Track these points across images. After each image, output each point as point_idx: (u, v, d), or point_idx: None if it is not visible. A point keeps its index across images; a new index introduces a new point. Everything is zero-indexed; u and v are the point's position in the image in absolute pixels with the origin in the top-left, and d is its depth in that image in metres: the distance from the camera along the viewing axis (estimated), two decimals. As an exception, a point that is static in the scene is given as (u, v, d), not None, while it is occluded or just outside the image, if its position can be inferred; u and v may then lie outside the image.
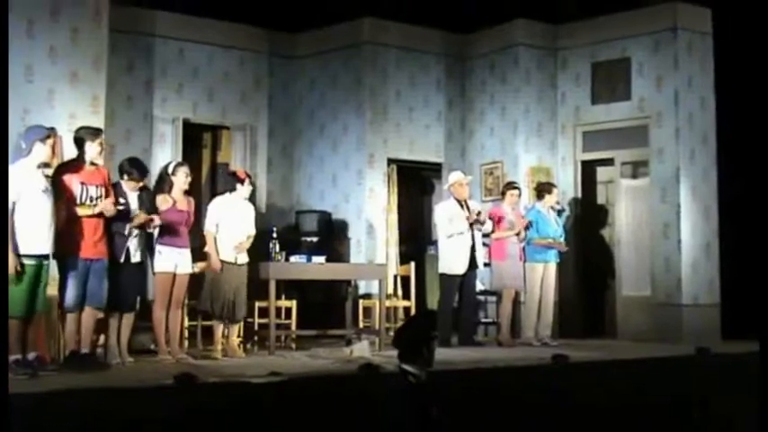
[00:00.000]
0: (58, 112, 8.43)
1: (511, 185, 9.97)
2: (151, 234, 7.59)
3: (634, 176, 10.80)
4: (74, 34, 8.64)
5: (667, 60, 10.34)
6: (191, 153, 10.71)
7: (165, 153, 10.35)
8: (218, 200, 8.39)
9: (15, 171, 6.45)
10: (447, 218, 9.41)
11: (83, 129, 7.23)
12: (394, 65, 11.22)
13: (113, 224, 7.17)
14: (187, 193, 7.99)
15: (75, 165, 7.01)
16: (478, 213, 9.39)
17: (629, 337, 10.32)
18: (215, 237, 8.17)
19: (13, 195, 6.35)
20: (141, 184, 7.52)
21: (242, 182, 8.38)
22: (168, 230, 7.71)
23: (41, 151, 6.58)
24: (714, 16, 10.44)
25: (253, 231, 8.41)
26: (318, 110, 11.48)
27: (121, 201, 7.25)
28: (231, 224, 8.24)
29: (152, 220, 7.40)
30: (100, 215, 6.93)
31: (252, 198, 10.80)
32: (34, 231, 6.43)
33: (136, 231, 7.33)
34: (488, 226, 9.54)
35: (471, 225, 9.33)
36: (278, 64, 11.54)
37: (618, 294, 10.71)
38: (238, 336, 8.42)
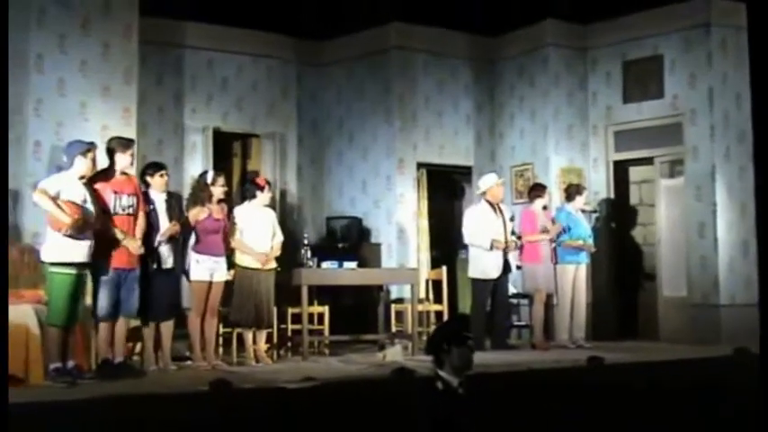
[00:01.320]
0: (92, 125, 8.52)
1: (538, 188, 9.89)
2: (183, 241, 7.65)
3: (671, 175, 10.69)
4: (105, 48, 8.74)
5: (700, 57, 10.23)
6: (221, 162, 10.78)
7: (196, 162, 10.44)
8: (238, 209, 8.41)
9: (59, 180, 6.66)
10: (474, 226, 9.35)
11: (114, 139, 7.32)
12: (422, 70, 11.21)
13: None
14: (220, 200, 8.05)
15: (107, 175, 7.09)
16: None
17: (665, 339, 10.22)
18: (242, 241, 8.20)
19: (53, 190, 6.54)
20: (164, 179, 7.56)
21: (261, 189, 8.39)
22: (205, 239, 7.78)
23: (82, 165, 6.73)
24: (749, 11, 10.30)
25: (281, 237, 8.42)
26: (347, 117, 11.51)
27: (149, 207, 7.33)
28: (254, 231, 8.25)
29: (179, 231, 7.45)
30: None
31: (282, 205, 10.88)
32: (74, 242, 6.53)
33: (166, 242, 7.39)
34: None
35: (506, 241, 9.29)
36: (306, 72, 11.58)
37: (654, 295, 10.61)
38: (267, 342, 8.43)
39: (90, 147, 6.81)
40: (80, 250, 6.57)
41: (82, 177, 6.75)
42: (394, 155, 10.97)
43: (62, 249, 6.53)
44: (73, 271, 6.55)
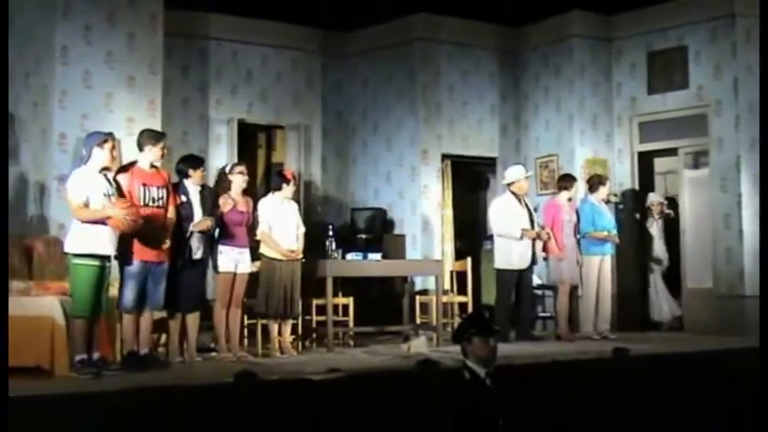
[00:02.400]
0: (117, 117, 8.59)
1: (567, 179, 9.84)
2: (213, 234, 7.68)
3: (695, 166, 10.63)
4: (130, 40, 8.79)
5: (725, 48, 10.15)
6: (246, 153, 10.81)
7: (221, 154, 10.48)
8: (263, 201, 8.41)
9: (79, 177, 6.59)
10: (502, 216, 9.33)
11: (146, 132, 7.28)
12: (446, 61, 11.19)
13: (178, 222, 7.28)
14: (245, 192, 8.07)
15: (134, 167, 7.07)
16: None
17: (690, 330, 10.17)
18: (269, 235, 8.21)
19: (82, 198, 6.50)
20: (203, 173, 7.63)
21: (288, 182, 8.37)
22: (229, 230, 7.81)
23: (101, 156, 6.65)
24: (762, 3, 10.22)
25: (303, 229, 8.43)
26: (371, 108, 11.51)
27: (183, 199, 7.37)
28: (281, 223, 8.25)
29: (211, 227, 7.49)
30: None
31: (307, 197, 10.89)
32: (97, 233, 6.52)
33: (198, 233, 7.43)
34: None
35: (532, 228, 9.28)
36: (330, 63, 11.58)
37: (680, 286, 10.57)
38: (293, 333, 8.46)
39: (107, 137, 6.73)
40: (102, 242, 6.54)
41: (104, 169, 6.70)
42: (418, 146, 10.97)
43: (84, 241, 6.50)
44: (96, 263, 6.52)
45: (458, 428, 4.46)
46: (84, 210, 6.51)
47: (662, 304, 10.63)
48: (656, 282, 10.73)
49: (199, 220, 7.43)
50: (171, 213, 7.15)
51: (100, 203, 6.55)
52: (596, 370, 7.13)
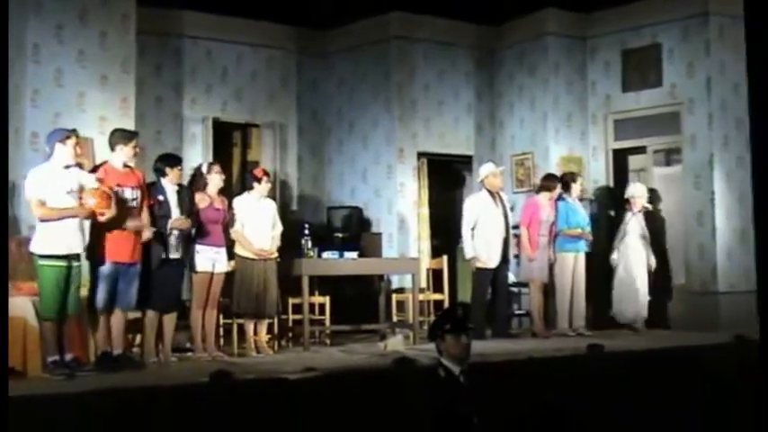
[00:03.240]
0: (89, 116, 8.52)
1: (550, 179, 9.82)
2: (190, 233, 7.65)
3: (667, 164, 10.68)
4: (102, 38, 8.72)
5: (698, 46, 10.21)
6: (221, 152, 10.76)
7: (196, 152, 10.42)
8: (238, 200, 8.40)
9: (38, 174, 6.51)
10: (469, 216, 9.34)
11: (117, 131, 7.25)
12: (422, 59, 11.19)
13: (155, 221, 7.25)
14: (220, 192, 8.04)
15: (107, 167, 7.02)
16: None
17: (664, 326, 10.22)
18: (242, 234, 8.19)
19: (38, 196, 6.42)
20: (180, 172, 7.61)
21: (259, 180, 8.37)
22: (206, 229, 7.79)
23: (63, 152, 6.58)
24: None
25: (280, 228, 8.41)
26: (347, 106, 11.49)
27: (160, 198, 7.34)
28: (254, 222, 8.24)
29: (190, 227, 7.46)
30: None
31: (283, 195, 10.86)
32: (60, 232, 6.45)
33: (176, 232, 7.39)
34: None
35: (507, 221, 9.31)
36: (306, 62, 11.55)
37: (654, 282, 10.62)
38: (269, 332, 8.43)
39: (69, 133, 6.66)
40: (68, 241, 6.46)
41: (67, 167, 6.59)
42: (394, 144, 10.96)
43: (48, 240, 6.42)
44: (61, 263, 6.44)
45: (435, 427, 4.47)
46: (42, 208, 6.44)
47: (622, 306, 9.95)
48: (623, 281, 10.01)
49: (176, 218, 7.39)
50: (145, 213, 7.09)
51: (61, 201, 6.47)
52: (571, 367, 7.16)
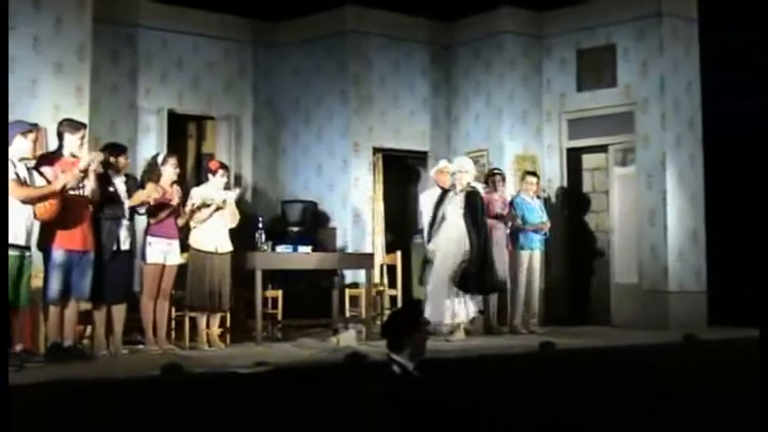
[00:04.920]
0: (42, 103, 8.36)
1: (492, 172, 9.92)
2: (138, 221, 7.58)
3: (622, 163, 10.79)
4: (57, 24, 8.57)
5: (653, 46, 10.33)
6: (176, 143, 10.65)
7: (150, 144, 10.30)
8: (195, 189, 8.37)
9: None
10: (426, 208, 9.35)
11: (65, 121, 7.19)
12: (377, 52, 11.18)
13: (104, 211, 7.21)
14: (174, 183, 7.97)
15: (54, 156, 6.98)
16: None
17: (616, 325, 10.34)
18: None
19: None
20: (127, 161, 7.56)
21: (214, 173, 8.34)
22: (158, 221, 7.72)
23: (22, 145, 6.54)
24: (700, 1, 10.43)
25: (237, 218, 8.33)
26: (303, 98, 11.44)
27: (110, 189, 7.28)
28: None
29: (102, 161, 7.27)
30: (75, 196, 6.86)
31: (237, 187, 10.76)
32: (12, 223, 6.33)
33: (126, 222, 7.34)
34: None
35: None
36: (262, 53, 11.48)
37: (607, 281, 10.72)
38: (221, 326, 8.38)
39: (32, 128, 6.64)
40: (15, 231, 6.36)
41: (23, 159, 6.54)
42: (349, 138, 10.93)
43: None
44: (13, 253, 6.33)
45: (407, 424, 4.47)
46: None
47: (456, 308, 8.67)
48: (435, 279, 8.69)
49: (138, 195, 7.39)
50: (89, 191, 6.97)
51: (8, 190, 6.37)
52: (523, 364, 7.21)
